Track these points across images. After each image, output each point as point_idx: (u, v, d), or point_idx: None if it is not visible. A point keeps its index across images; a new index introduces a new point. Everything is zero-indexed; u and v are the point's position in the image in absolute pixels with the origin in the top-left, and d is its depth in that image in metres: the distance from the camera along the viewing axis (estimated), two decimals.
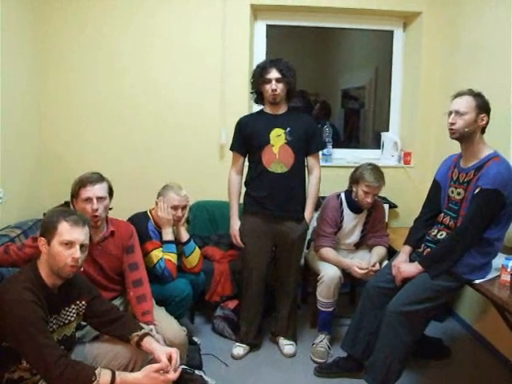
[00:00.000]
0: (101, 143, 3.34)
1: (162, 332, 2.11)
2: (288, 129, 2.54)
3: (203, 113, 3.37)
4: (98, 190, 2.13)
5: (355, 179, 2.72)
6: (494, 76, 2.72)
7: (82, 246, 1.67)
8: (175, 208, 2.57)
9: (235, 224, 2.69)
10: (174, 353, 1.74)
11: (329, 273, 2.67)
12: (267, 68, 2.51)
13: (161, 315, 2.25)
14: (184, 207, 2.61)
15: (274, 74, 2.49)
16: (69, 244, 1.64)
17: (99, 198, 2.12)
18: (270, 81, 2.50)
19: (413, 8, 3.42)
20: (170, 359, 1.71)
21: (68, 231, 1.65)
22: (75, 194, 2.15)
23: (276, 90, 2.50)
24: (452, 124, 2.15)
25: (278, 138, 2.54)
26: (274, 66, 2.50)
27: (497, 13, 2.72)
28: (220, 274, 2.96)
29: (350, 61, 4.25)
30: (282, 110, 2.62)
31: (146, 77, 3.32)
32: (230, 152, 2.72)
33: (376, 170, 2.69)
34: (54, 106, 3.27)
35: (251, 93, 2.68)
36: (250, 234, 2.64)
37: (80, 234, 1.67)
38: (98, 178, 2.16)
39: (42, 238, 1.68)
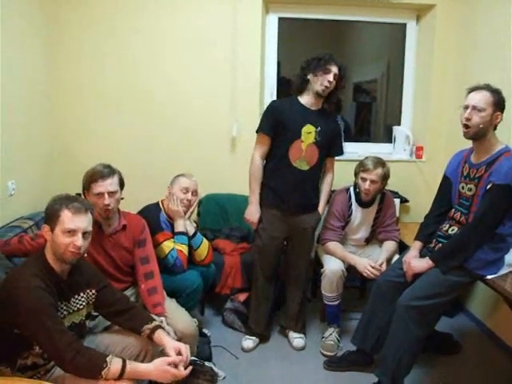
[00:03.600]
0: (112, 136, 3.35)
1: (173, 323, 2.13)
2: (319, 128, 2.54)
3: (214, 106, 3.36)
4: (109, 184, 2.14)
5: (356, 170, 2.76)
6: (510, 72, 2.67)
7: (84, 233, 1.67)
8: (186, 190, 2.59)
9: (256, 212, 2.62)
10: (184, 348, 1.75)
11: (331, 267, 2.67)
12: (329, 60, 2.48)
13: (172, 307, 2.27)
14: (194, 192, 2.62)
15: (335, 68, 2.48)
16: (71, 232, 1.63)
17: (110, 193, 2.13)
18: (329, 71, 2.47)
19: (426, 0, 3.37)
20: (179, 354, 1.72)
21: (70, 219, 1.64)
22: (87, 188, 2.17)
23: (331, 82, 2.48)
24: (468, 119, 2.09)
25: (308, 135, 2.53)
26: (335, 62, 2.49)
27: None
28: (231, 267, 2.96)
29: (361, 54, 4.20)
30: (317, 106, 2.58)
31: (157, 70, 3.32)
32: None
33: (374, 158, 2.72)
34: (65, 99, 3.28)
35: (300, 76, 2.56)
36: (268, 226, 2.64)
37: (82, 222, 1.66)
38: (109, 172, 2.16)
39: (46, 225, 1.68)
